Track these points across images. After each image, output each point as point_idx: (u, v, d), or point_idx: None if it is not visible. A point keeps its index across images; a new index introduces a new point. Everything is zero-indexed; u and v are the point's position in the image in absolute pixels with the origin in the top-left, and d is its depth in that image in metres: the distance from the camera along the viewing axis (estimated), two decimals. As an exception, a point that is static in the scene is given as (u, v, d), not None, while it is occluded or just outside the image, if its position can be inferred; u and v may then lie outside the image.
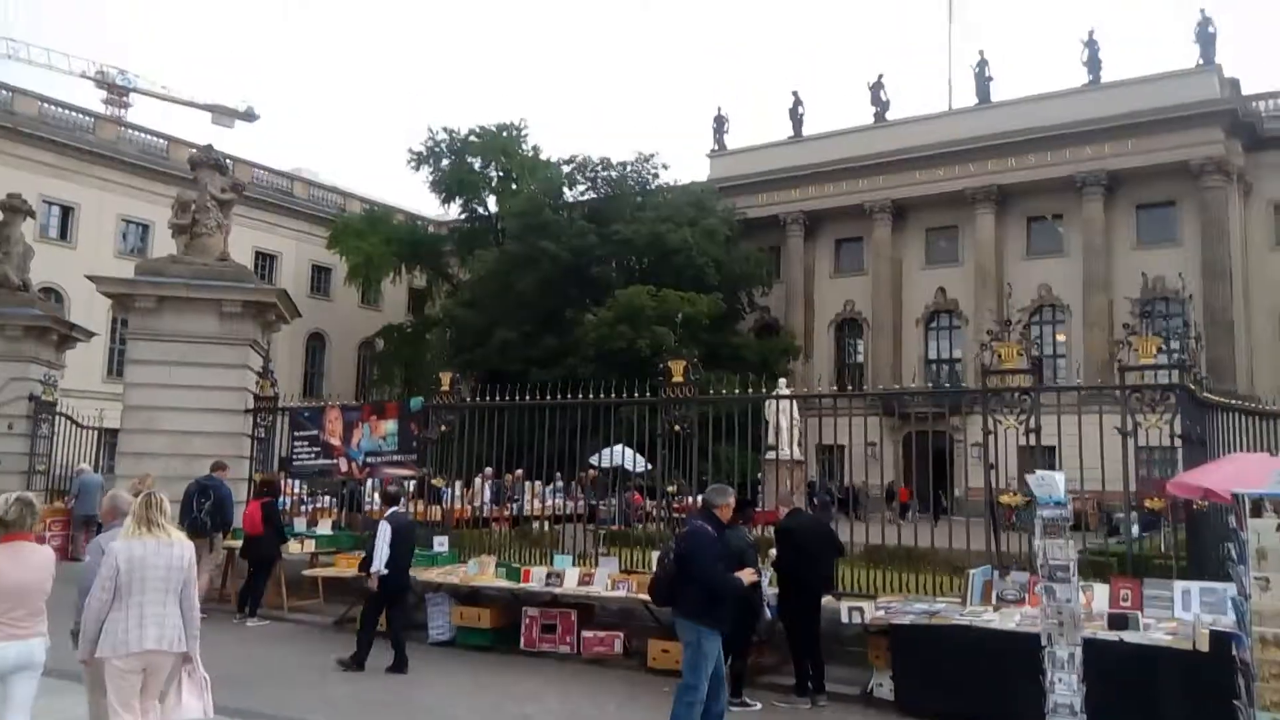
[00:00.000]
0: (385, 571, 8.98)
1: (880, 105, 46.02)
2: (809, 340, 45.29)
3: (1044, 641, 5.39)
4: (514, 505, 20.47)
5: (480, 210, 47.57)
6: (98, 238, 39.98)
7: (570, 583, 9.60)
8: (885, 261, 44.71)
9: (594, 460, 18.79)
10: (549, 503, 20.32)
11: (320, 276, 49.15)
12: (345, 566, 11.20)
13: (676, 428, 10.68)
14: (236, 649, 10.06)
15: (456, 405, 12.55)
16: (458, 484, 13.27)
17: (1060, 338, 42.08)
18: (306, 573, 11.71)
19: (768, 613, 7.86)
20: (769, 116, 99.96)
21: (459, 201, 47.14)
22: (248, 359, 14.55)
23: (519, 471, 19.25)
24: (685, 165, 71.64)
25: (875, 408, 32.80)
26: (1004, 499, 8.68)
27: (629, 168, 43.18)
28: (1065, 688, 5.21)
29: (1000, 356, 8.74)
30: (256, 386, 14.54)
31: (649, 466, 21.18)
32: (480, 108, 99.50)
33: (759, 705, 7.70)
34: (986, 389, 8.84)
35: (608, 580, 9.49)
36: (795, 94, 48.06)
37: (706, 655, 6.25)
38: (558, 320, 38.27)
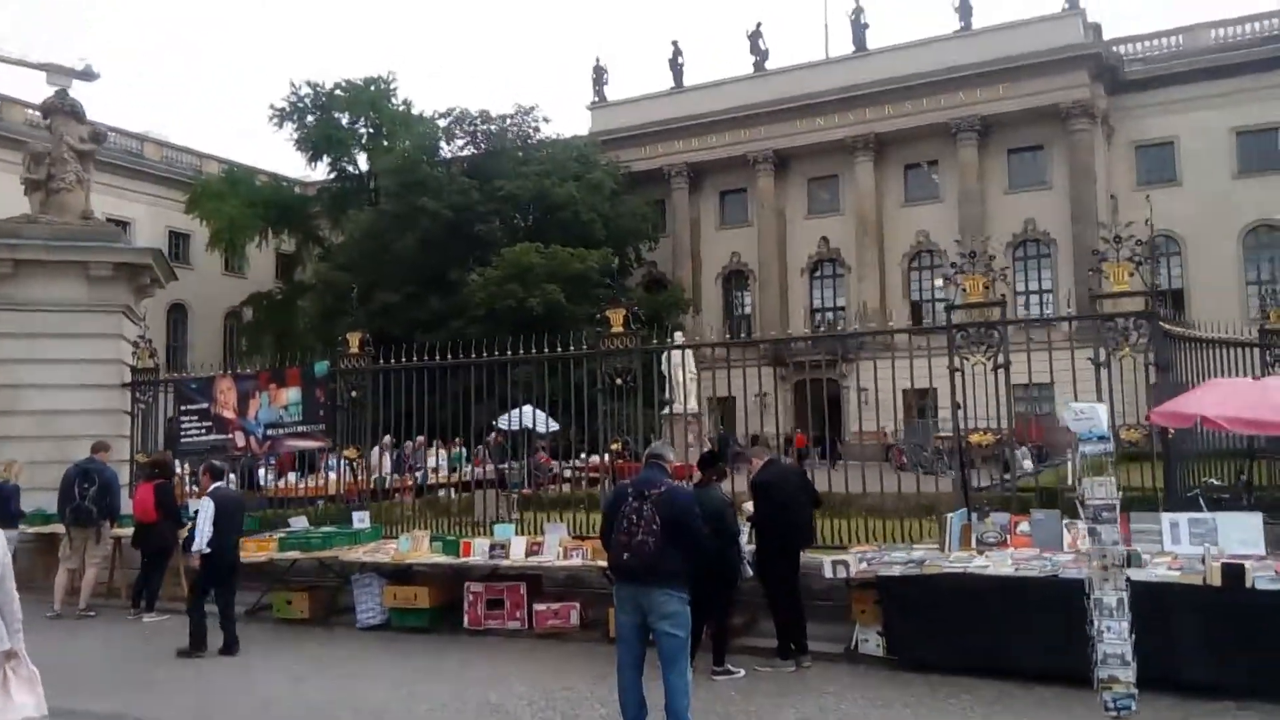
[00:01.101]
0: (207, 550, 8.52)
1: (759, 54, 45.91)
2: (697, 293, 45.21)
3: (1088, 589, 5.02)
4: (417, 474, 19.54)
5: (350, 169, 45.44)
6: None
7: (517, 553, 8.86)
8: (769, 212, 44.90)
9: (499, 423, 18.01)
10: (452, 470, 19.49)
11: (179, 243, 45.90)
12: (256, 550, 10.11)
13: (619, 380, 10.03)
14: (135, 646, 8.97)
15: (368, 369, 11.52)
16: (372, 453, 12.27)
17: (938, 282, 43.22)
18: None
19: (748, 570, 7.35)
20: (649, 68, 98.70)
21: (327, 160, 44.88)
22: (121, 328, 13.06)
23: (420, 438, 18.28)
24: (565, 119, 70.37)
25: (766, 358, 33.12)
26: (974, 438, 8.40)
27: (509, 121, 41.81)
28: (1115, 636, 4.86)
29: (967, 290, 8.40)
30: (133, 358, 13.08)
31: (556, 426, 20.51)
32: (346, 62, 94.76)
33: (742, 672, 7.21)
34: (952, 325, 8.49)
35: (559, 548, 8.79)
36: (675, 44, 47.47)
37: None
38: (441, 281, 36.96)
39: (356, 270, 38.86)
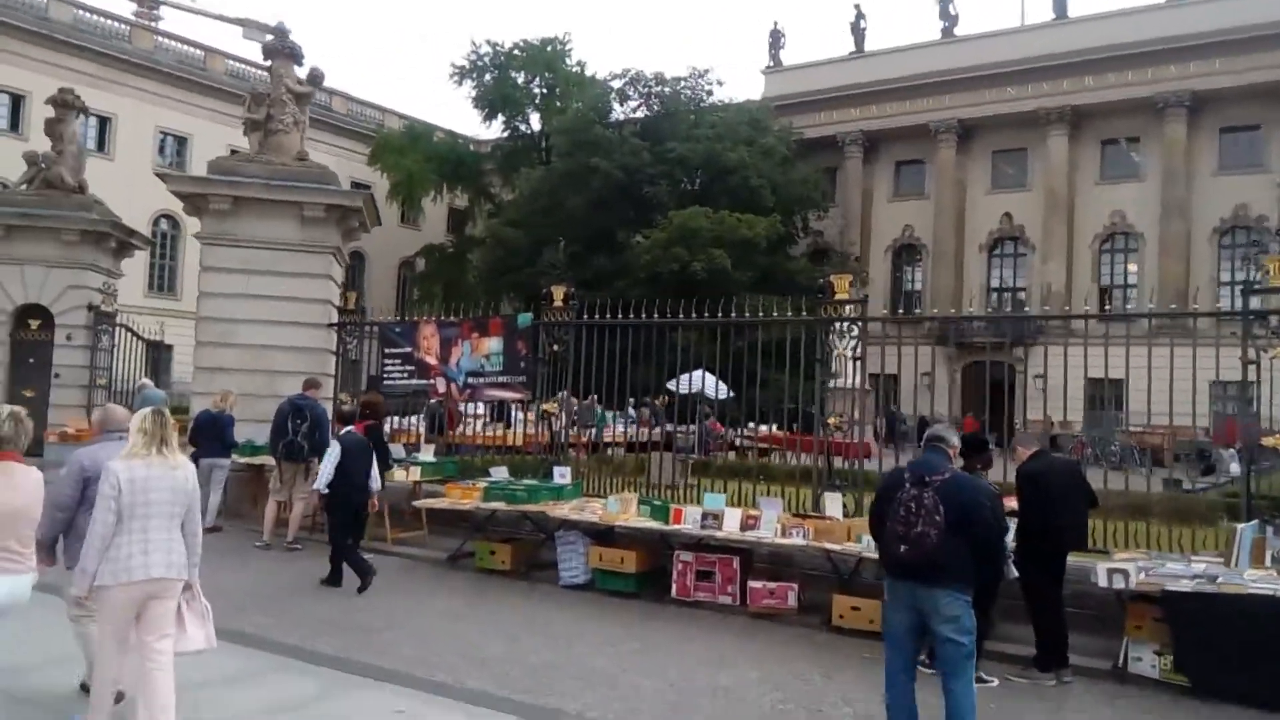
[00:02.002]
0: (325, 490, 9.05)
1: (948, 20, 43.65)
2: (866, 265, 43.60)
3: None
4: (591, 431, 19.43)
5: (523, 128, 46.01)
6: (136, 149, 38.57)
7: (731, 525, 8.38)
8: (948, 185, 42.83)
9: (671, 385, 17.62)
10: (620, 430, 19.28)
11: (360, 193, 47.58)
12: (460, 497, 10.03)
13: (849, 351, 9.38)
14: (344, 585, 9.00)
15: (571, 323, 11.24)
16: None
17: (1132, 267, 40.26)
18: (419, 504, 10.52)
19: (1012, 570, 6.62)
20: (828, 32, 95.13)
21: (501, 119, 45.56)
22: (330, 269, 13.27)
23: (594, 397, 18.14)
24: (738, 83, 69.23)
25: (933, 337, 31.58)
26: (1267, 441, 7.35)
27: (682, 84, 41.16)
28: None
29: (1271, 272, 7.30)
30: (340, 299, 13.29)
31: (731, 394, 19.97)
32: (523, 21, 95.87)
33: (995, 681, 6.50)
34: (1250, 311, 7.42)
35: (777, 524, 8.25)
36: (857, 7, 45.68)
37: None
38: (608, 241, 36.90)
39: (526, 227, 39.38)
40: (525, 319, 11.70)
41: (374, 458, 9.48)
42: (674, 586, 8.54)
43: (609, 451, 17.36)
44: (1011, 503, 6.78)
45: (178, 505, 4.77)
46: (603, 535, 9.26)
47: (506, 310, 30.06)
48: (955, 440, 5.35)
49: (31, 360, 15.45)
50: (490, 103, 44.63)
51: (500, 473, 10.76)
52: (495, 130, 46.58)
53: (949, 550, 4.82)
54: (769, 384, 13.68)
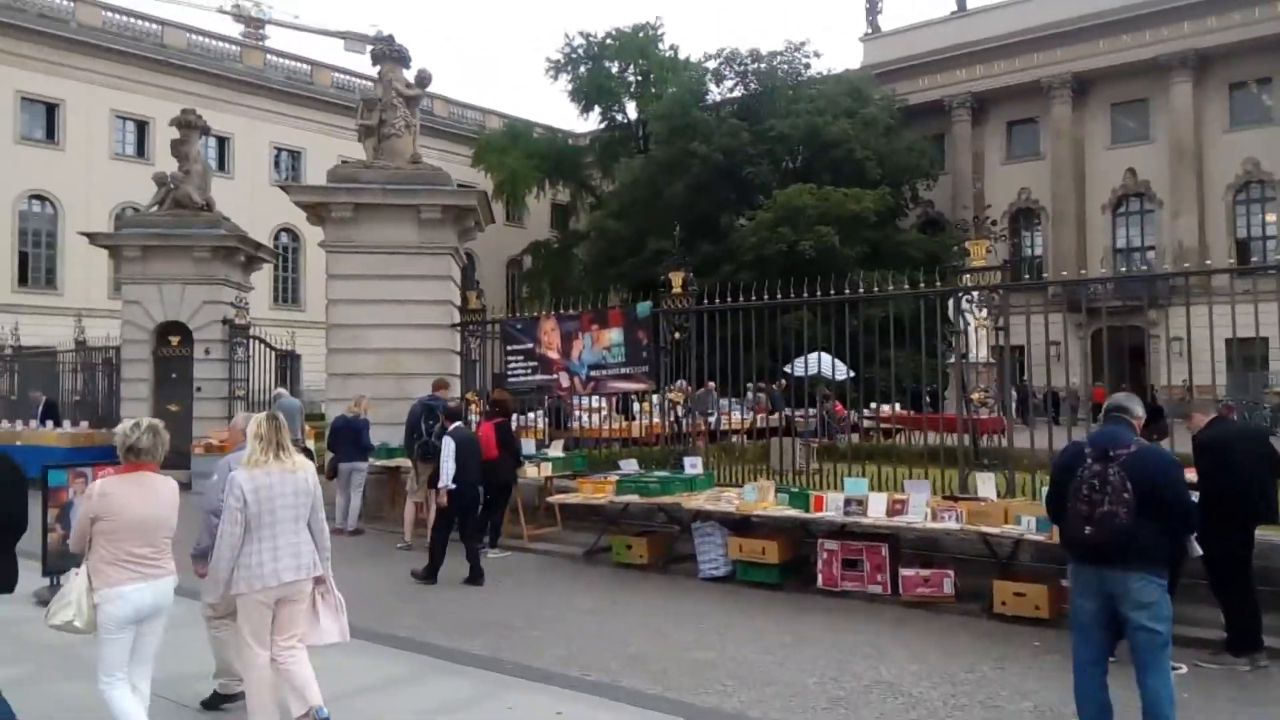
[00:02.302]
0: (453, 486, 9.12)
1: (1058, -31, 41.52)
2: (980, 233, 42.00)
3: None
4: (710, 419, 19.22)
5: (620, 118, 45.95)
6: (253, 166, 40.18)
7: (877, 511, 8.06)
8: (1065, 143, 40.97)
9: (789, 368, 17.24)
10: (738, 416, 18.98)
11: (465, 195, 48.52)
12: (592, 491, 9.99)
13: (987, 321, 8.93)
14: (487, 584, 9.04)
15: (691, 309, 11.06)
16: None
17: (1270, 217, 37.72)
18: (553, 499, 10.53)
19: (1196, 547, 6.13)
20: None
21: (598, 110, 45.54)
22: (450, 269, 13.42)
23: (711, 383, 17.93)
24: (834, 54, 67.24)
25: (1058, 303, 30.08)
26: None
27: (778, 59, 40.32)
28: None
29: None
30: (461, 299, 13.44)
31: (851, 374, 19.38)
32: (615, 9, 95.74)
33: (1184, 668, 6.04)
34: None
35: (926, 508, 7.90)
36: (959, -37, 43.80)
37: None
38: (711, 226, 36.50)
39: (629, 217, 39.32)
40: (645, 308, 11.57)
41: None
42: (819, 576, 8.28)
43: (731, 438, 17.18)
44: (1191, 475, 6.27)
45: (301, 507, 4.88)
46: (739, 525, 9.06)
47: (615, 302, 30.09)
48: (1140, 410, 4.93)
49: (174, 375, 16.18)
50: (586, 94, 44.65)
51: (630, 465, 10.68)
52: (593, 122, 46.73)
53: (1139, 530, 4.44)
54: (889, 362, 13.32)
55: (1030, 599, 7.21)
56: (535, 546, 10.76)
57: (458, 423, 9.72)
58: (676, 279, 11.21)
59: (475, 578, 9.05)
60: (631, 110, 45.37)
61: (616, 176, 43.35)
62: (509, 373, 12.80)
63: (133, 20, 38.54)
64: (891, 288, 10.64)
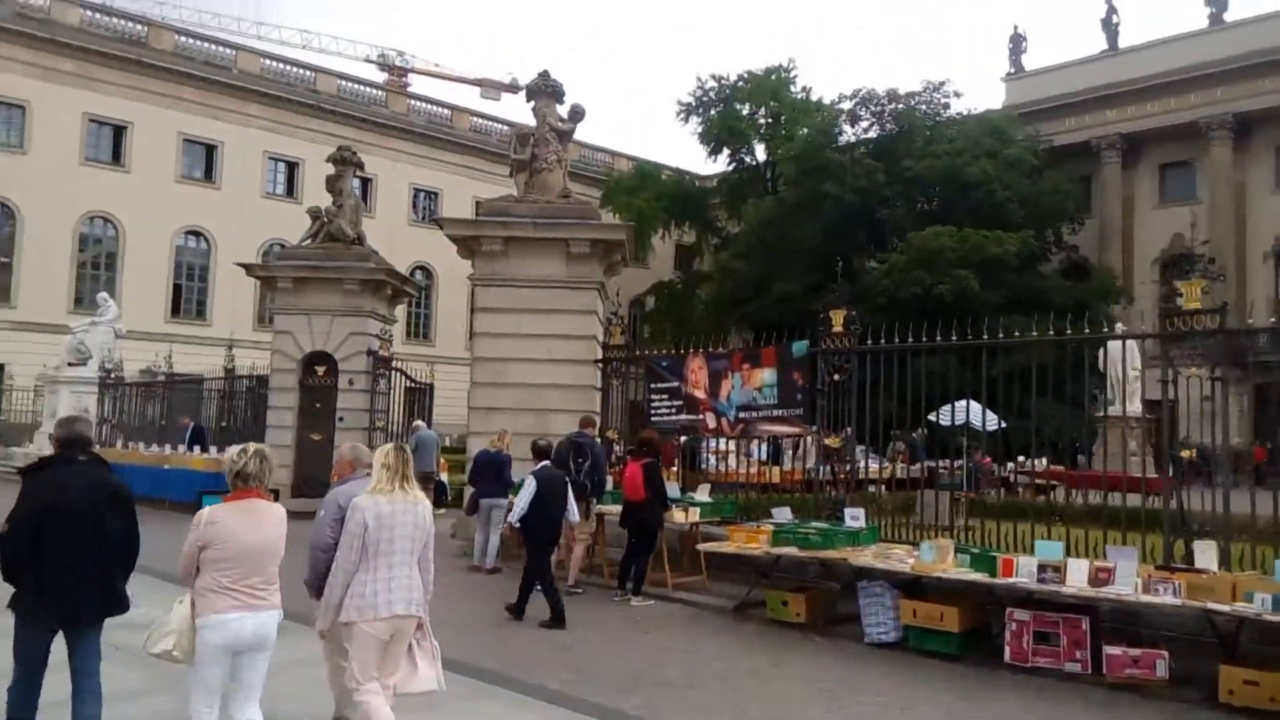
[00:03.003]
0: (516, 524, 9.20)
1: (1216, 5, 39.38)
2: (1128, 280, 39.79)
3: None
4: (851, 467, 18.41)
5: (748, 159, 45.78)
6: (393, 206, 41.52)
7: (1077, 579, 7.21)
8: (1224, 186, 38.55)
9: (933, 417, 16.29)
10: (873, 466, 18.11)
11: (593, 235, 49.06)
12: (745, 541, 9.41)
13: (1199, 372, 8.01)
14: (634, 636, 8.53)
15: (854, 349, 10.43)
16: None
17: None
18: (704, 547, 9.95)
19: None
20: (1072, 33, 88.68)
21: (726, 153, 45.45)
22: (595, 304, 13.17)
23: (849, 429, 17.14)
24: (973, 94, 65.33)
25: (1210, 356, 28.09)
26: None
27: (917, 99, 39.32)
28: None
29: None
30: (604, 335, 13.16)
31: (1002, 425, 18.28)
32: (741, 54, 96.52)
33: None
34: None
35: (1136, 578, 7.02)
36: (1108, 2, 42.05)
37: None
38: (842, 269, 35.51)
39: (755, 258, 38.82)
40: (801, 347, 10.98)
41: (569, 492, 9.64)
42: (1007, 650, 7.45)
43: (867, 488, 16.34)
44: None
45: (417, 542, 4.81)
46: (909, 586, 8.32)
47: (737, 343, 29.52)
48: None
49: (319, 405, 16.40)
50: (716, 137, 44.68)
51: (783, 514, 10.05)
52: (720, 164, 46.62)
53: None
54: (1028, 413, 12.44)
55: (1265, 689, 6.26)
56: (679, 595, 10.20)
57: (545, 461, 9.67)
58: (838, 317, 10.61)
59: (518, 609, 9.00)
60: (760, 152, 45.18)
61: (744, 218, 43.00)
62: (652, 411, 12.39)
63: (288, 67, 40.60)
64: (1052, 333, 9.65)
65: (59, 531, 4.63)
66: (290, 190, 39.45)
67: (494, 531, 11.56)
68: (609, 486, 11.24)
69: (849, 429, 10.67)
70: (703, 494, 11.30)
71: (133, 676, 5.66)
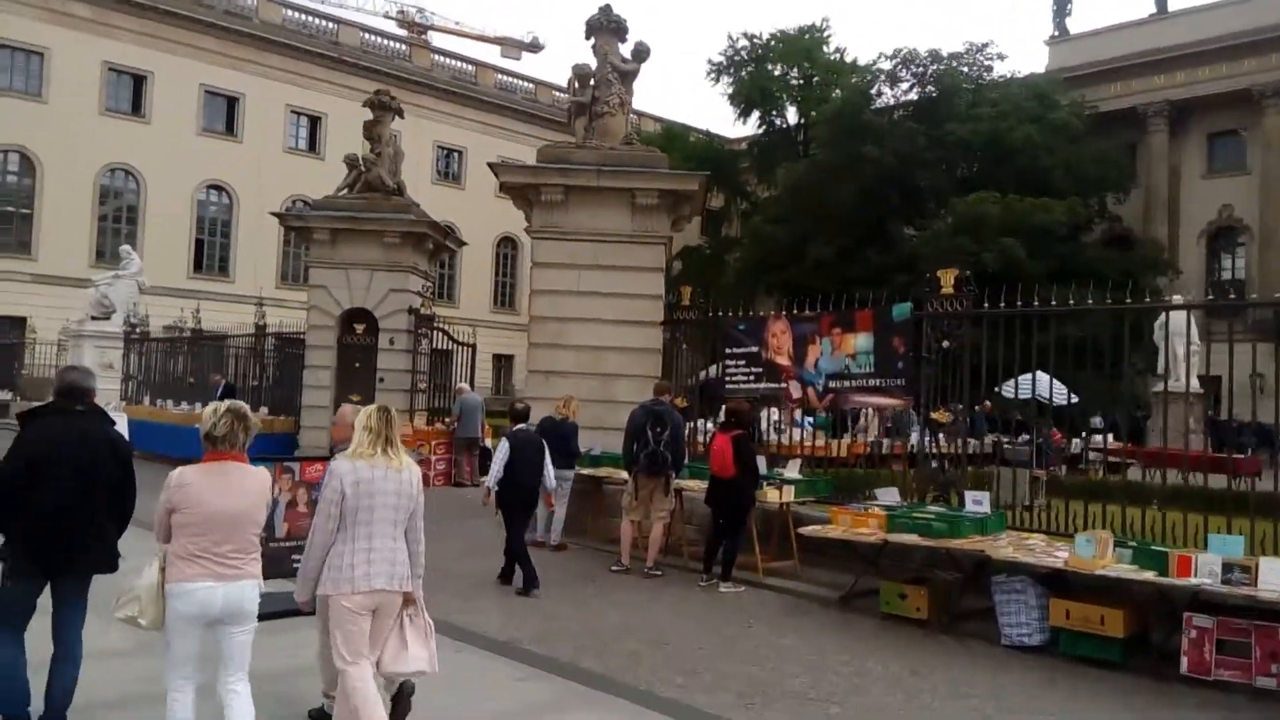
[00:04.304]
0: (495, 487, 8.95)
1: (1273, -34, 37.69)
2: (1174, 252, 38.47)
3: None
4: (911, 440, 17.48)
5: (779, 122, 44.36)
6: (417, 164, 40.30)
7: (1273, 581, 6.21)
8: (1277, 156, 36.95)
9: (999, 389, 15.27)
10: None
11: (618, 198, 48.01)
12: (853, 525, 8.42)
13: None
14: (732, 630, 7.57)
15: (967, 313, 9.36)
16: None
17: None
18: (807, 531, 8.89)
19: None
20: None
21: (757, 115, 44.03)
22: (662, 261, 12.13)
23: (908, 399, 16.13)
24: (1015, 58, 63.21)
25: (1260, 331, 26.95)
26: None
27: (960, 60, 37.80)
28: None
29: None
30: (674, 294, 12.14)
31: (1074, 398, 17.34)
32: (773, 14, 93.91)
33: None
34: None
35: (1347, 581, 6.01)
36: (1159, -39, 40.36)
37: None
38: (879, 234, 34.45)
39: (786, 224, 37.62)
40: (903, 310, 9.90)
41: (546, 456, 9.35)
42: (1184, 659, 6.46)
43: (931, 464, 15.37)
44: None
45: (401, 511, 4.46)
46: (1050, 581, 7.32)
47: (768, 308, 28.43)
48: None
49: (358, 365, 15.43)
50: (747, 97, 43.33)
51: (890, 495, 9.05)
52: (750, 127, 45.33)
53: None
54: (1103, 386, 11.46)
55: None
56: (770, 582, 9.23)
57: (522, 425, 9.42)
58: (948, 277, 9.53)
59: (529, 584, 8.53)
60: (792, 115, 43.83)
61: (775, 181, 41.71)
62: (727, 378, 11.35)
63: (310, 19, 39.28)
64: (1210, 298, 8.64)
65: (52, 480, 4.50)
66: (312, 145, 38.33)
67: (559, 504, 10.61)
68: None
69: (959, 404, 9.64)
70: (792, 470, 10.27)
71: (115, 636, 5.08)
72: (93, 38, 32.73)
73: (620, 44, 12.45)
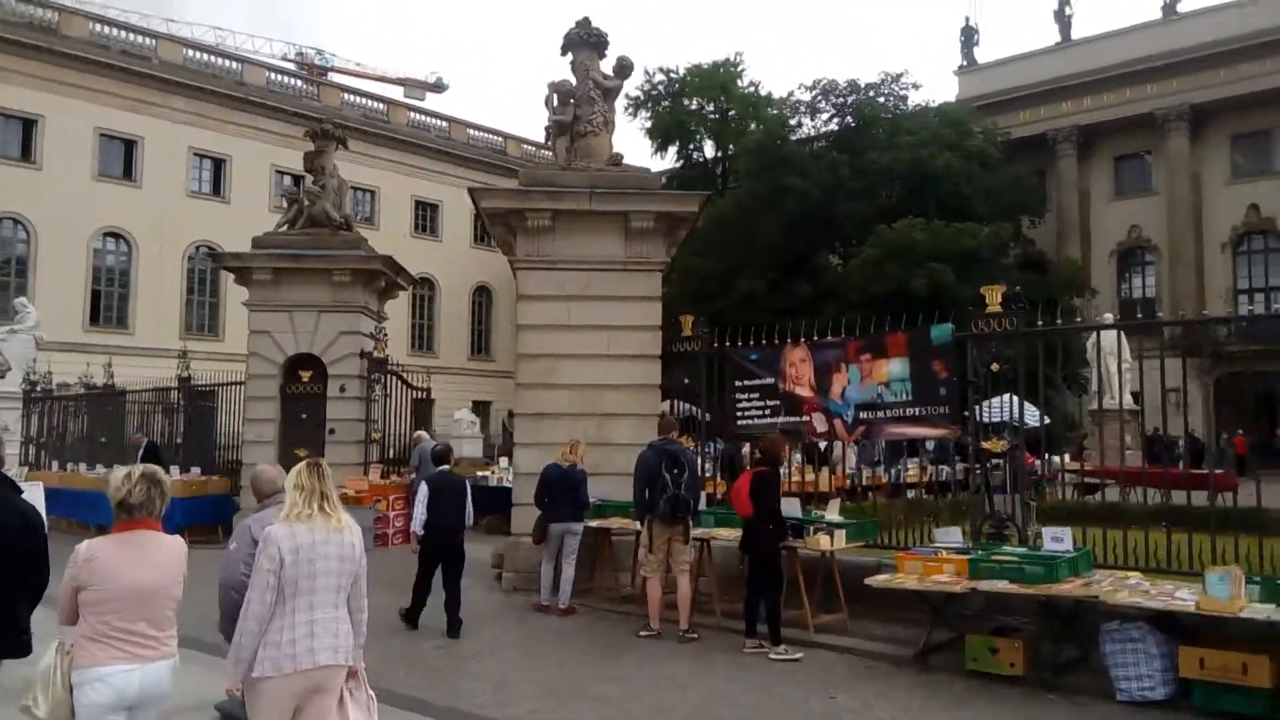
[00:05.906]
0: (420, 532, 8.99)
1: (1171, -3, 39.44)
2: (1087, 272, 39.49)
3: None
4: (892, 471, 16.86)
5: (697, 156, 44.52)
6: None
7: None
8: (1181, 178, 38.59)
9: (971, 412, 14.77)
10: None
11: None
12: (924, 574, 7.50)
13: None
14: (824, 697, 6.54)
15: (1014, 331, 8.66)
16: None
17: None
18: (872, 581, 7.90)
19: None
20: (1022, 26, 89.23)
21: (675, 149, 44.02)
22: (657, 290, 11.15)
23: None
24: (926, 87, 65.35)
25: (1172, 348, 27.58)
26: None
27: (876, 90, 38.28)
28: None
29: None
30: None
31: (1047, 420, 16.97)
32: (682, 49, 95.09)
33: None
34: None
35: None
36: (1062, -8, 41.81)
37: None
38: (806, 264, 34.47)
39: (715, 256, 37.26)
40: (944, 331, 9.15)
41: (468, 497, 9.28)
42: (1350, 711, 5.74)
43: (908, 493, 14.76)
44: None
45: (345, 576, 4.09)
46: (1167, 625, 6.53)
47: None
48: None
49: (304, 415, 13.95)
50: (664, 132, 43.40)
51: (950, 535, 8.20)
52: (669, 160, 45.20)
53: None
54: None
55: None
56: (823, 640, 8.22)
57: (444, 466, 9.48)
58: (993, 294, 8.83)
59: (451, 628, 8.69)
60: (709, 148, 43.86)
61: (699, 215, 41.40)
62: (739, 413, 10.42)
63: (213, 58, 37.42)
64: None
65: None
66: (217, 189, 36.24)
67: (567, 563, 9.44)
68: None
69: (1008, 434, 8.92)
70: (832, 511, 9.30)
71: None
72: (-26, 81, 30.31)
73: (600, 59, 11.54)
